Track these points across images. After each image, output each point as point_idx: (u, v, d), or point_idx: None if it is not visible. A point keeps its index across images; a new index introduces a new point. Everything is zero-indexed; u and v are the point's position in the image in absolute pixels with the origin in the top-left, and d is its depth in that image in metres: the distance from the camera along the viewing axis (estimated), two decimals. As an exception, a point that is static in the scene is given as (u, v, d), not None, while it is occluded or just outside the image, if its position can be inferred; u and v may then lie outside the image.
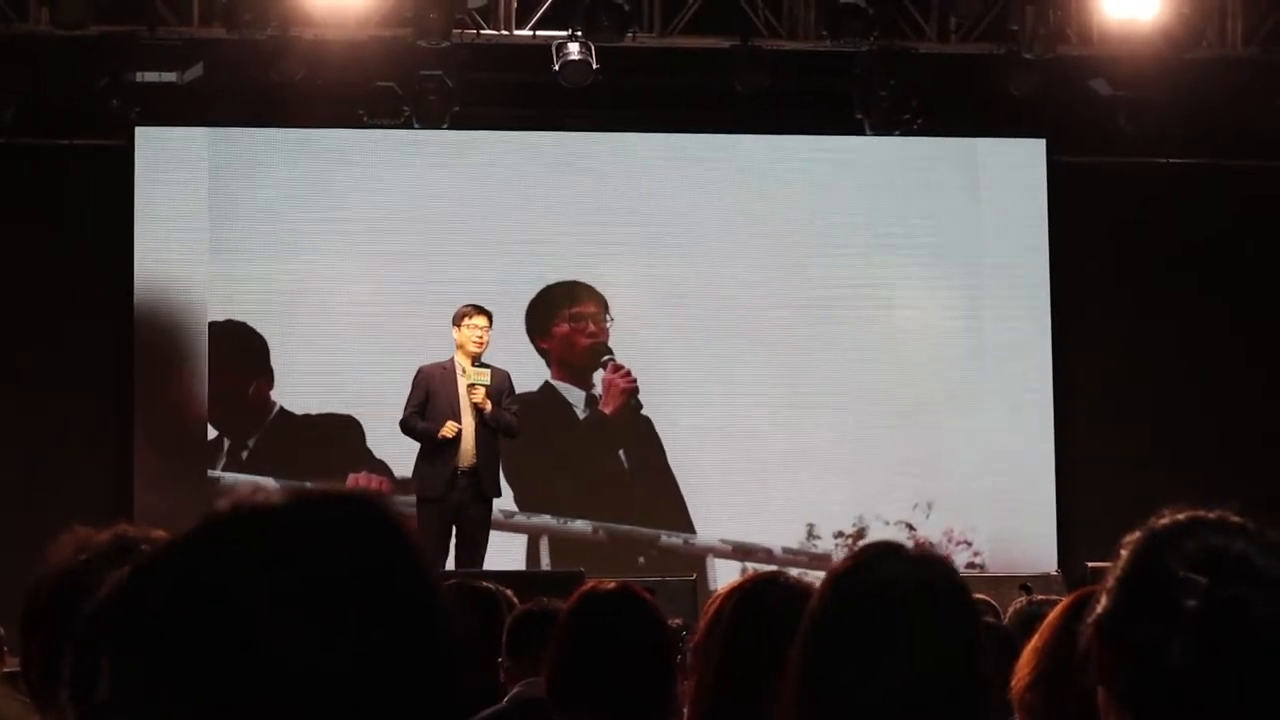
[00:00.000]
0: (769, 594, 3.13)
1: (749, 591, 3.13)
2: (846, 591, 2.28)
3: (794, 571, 7.22)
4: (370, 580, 1.37)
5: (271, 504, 1.40)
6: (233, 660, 1.33)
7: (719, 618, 3.06)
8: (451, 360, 10.33)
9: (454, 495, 10.14)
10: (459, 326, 10.32)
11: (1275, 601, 1.96)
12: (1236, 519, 2.06)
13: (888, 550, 2.34)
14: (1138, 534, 2.03)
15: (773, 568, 10.77)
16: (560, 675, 3.62)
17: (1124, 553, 2.04)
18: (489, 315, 10.37)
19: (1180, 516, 2.06)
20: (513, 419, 10.40)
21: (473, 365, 10.23)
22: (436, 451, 10.26)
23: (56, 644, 2.23)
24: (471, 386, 10.18)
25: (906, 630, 2.23)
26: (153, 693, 1.35)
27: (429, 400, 10.28)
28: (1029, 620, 3.94)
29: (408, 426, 10.38)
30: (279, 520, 1.39)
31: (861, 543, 12.53)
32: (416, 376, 10.39)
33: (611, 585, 3.77)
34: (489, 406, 10.17)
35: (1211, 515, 2.07)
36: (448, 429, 10.12)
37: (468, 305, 10.44)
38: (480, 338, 10.27)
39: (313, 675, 1.33)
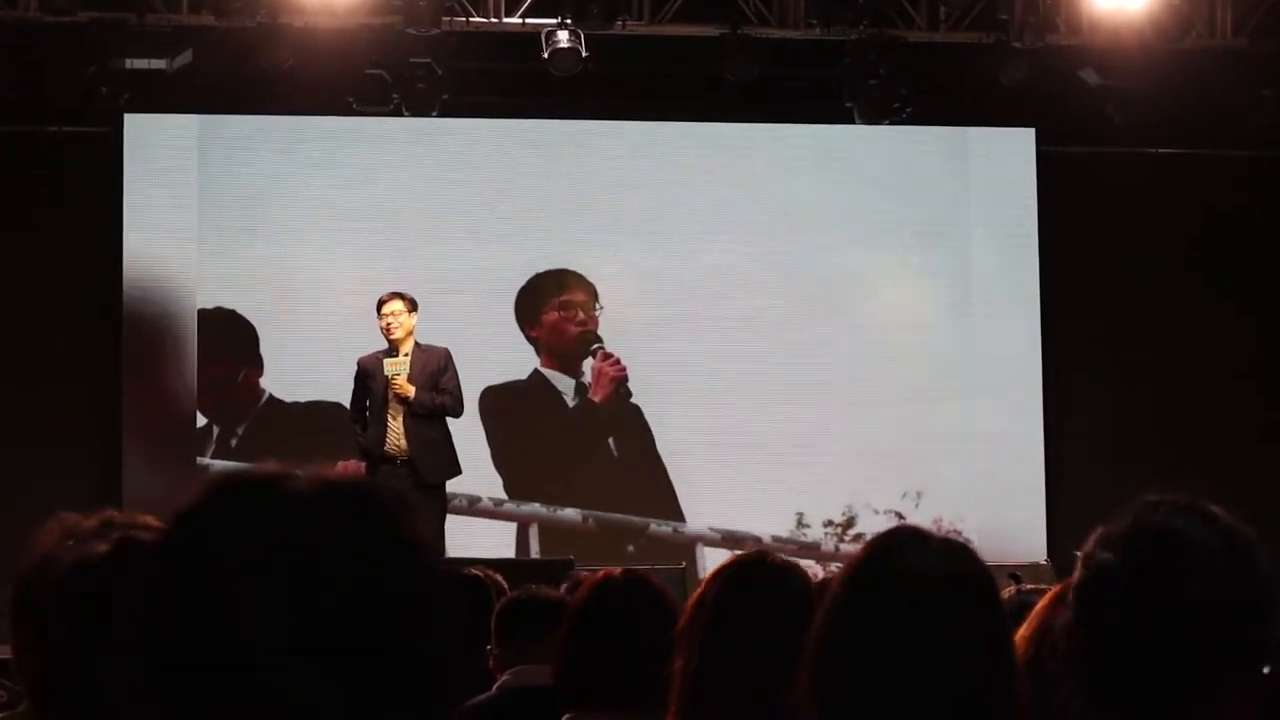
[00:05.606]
0: (756, 574, 3.12)
1: (736, 571, 3.12)
2: (872, 579, 2.18)
3: (783, 560, 7.20)
4: (363, 578, 1.37)
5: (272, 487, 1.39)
6: (221, 660, 1.33)
7: (706, 598, 3.05)
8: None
9: (393, 486, 9.95)
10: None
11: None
12: (1193, 501, 2.12)
13: (913, 536, 2.24)
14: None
15: (761, 556, 10.74)
16: (572, 666, 3.54)
17: None
18: (404, 299, 10.16)
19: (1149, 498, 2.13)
20: (446, 399, 10.13)
21: (387, 355, 10.07)
22: (371, 444, 10.15)
23: (44, 630, 2.23)
24: (393, 377, 10.06)
25: (935, 621, 2.13)
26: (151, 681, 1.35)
27: (368, 393, 10.19)
28: (1018, 609, 3.94)
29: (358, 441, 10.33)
30: (278, 508, 1.38)
31: (852, 530, 12.62)
32: (356, 371, 10.30)
33: (622, 574, 3.68)
34: (410, 393, 9.99)
35: (1173, 496, 2.12)
36: None
37: (385, 292, 10.27)
38: (389, 324, 10.08)
39: (299, 679, 1.33)
